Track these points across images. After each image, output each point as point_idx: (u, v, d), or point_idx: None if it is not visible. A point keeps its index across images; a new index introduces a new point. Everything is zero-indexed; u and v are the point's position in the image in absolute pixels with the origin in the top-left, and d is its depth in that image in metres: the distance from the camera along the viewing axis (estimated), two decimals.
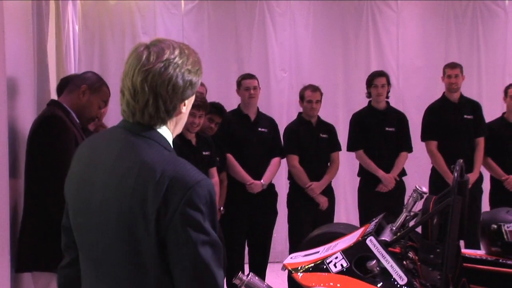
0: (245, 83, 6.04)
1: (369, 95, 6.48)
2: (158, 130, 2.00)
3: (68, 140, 3.66)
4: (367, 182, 6.44)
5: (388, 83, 6.43)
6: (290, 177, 6.31)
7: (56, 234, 2.52)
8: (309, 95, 6.17)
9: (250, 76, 6.13)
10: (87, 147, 2.11)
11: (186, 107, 2.03)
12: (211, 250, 1.88)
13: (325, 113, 6.53)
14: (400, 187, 6.38)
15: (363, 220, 6.05)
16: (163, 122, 2.00)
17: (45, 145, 3.66)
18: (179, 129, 2.10)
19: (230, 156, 5.88)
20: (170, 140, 2.04)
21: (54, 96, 4.67)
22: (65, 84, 4.18)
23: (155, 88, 1.93)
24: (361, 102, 6.83)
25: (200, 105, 5.04)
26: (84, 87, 3.88)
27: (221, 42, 7.84)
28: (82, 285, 2.07)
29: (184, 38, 7.78)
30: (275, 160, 6.10)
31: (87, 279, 2.04)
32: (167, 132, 2.03)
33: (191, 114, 5.42)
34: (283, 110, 7.76)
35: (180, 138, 5.16)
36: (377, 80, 6.36)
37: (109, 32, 7.68)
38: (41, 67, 4.65)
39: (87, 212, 1.98)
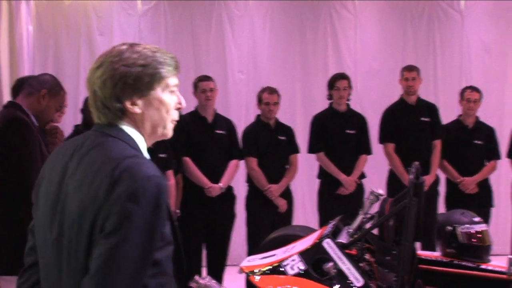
0: (202, 85, 6.04)
1: (330, 97, 6.51)
2: (125, 129, 2.01)
3: (34, 142, 3.67)
4: (327, 184, 6.48)
5: (350, 86, 6.48)
6: (249, 179, 6.32)
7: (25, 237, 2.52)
8: (267, 97, 6.20)
9: (206, 78, 6.13)
10: (59, 152, 2.11)
11: (145, 107, 2.01)
12: (135, 250, 1.83)
13: (283, 115, 6.57)
14: (359, 189, 6.43)
15: (323, 223, 6.09)
16: (114, 121, 2.01)
17: (12, 147, 3.64)
18: (150, 133, 2.07)
19: (187, 160, 5.87)
20: (141, 142, 2.04)
21: (6, 96, 4.64)
22: (21, 85, 4.15)
23: (94, 87, 1.99)
24: (319, 104, 6.89)
25: None
26: (44, 92, 3.87)
27: (179, 43, 7.82)
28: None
29: (141, 40, 7.74)
30: (233, 163, 6.11)
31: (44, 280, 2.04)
32: (134, 133, 2.03)
33: None
34: (241, 112, 7.77)
35: None
36: (339, 83, 6.41)
37: (64, 33, 7.61)
38: None
39: (53, 214, 1.98)
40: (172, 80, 2.06)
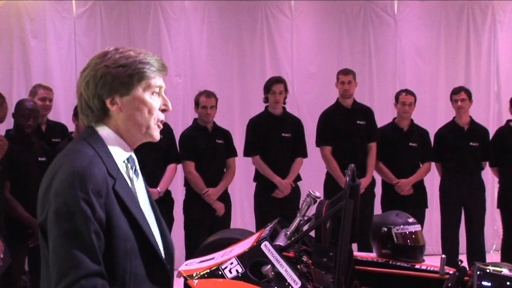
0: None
1: (266, 100, 6.52)
2: (101, 133, 2.05)
3: None
4: (263, 187, 6.49)
5: (286, 90, 6.49)
6: (186, 183, 6.30)
7: None
8: (204, 100, 6.19)
9: None
10: None
11: (125, 106, 2.04)
12: (68, 240, 1.86)
13: (221, 119, 6.57)
14: (295, 192, 6.46)
15: (259, 225, 6.11)
16: (96, 122, 2.06)
17: None
18: (134, 133, 2.10)
19: None
20: (118, 145, 2.07)
21: None
22: None
23: (78, 89, 2.06)
24: (257, 107, 6.91)
25: None
26: None
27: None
28: None
29: (76, 43, 7.65)
30: (171, 167, 6.09)
31: None
32: (112, 136, 2.06)
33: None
34: (178, 116, 7.74)
35: None
36: (275, 87, 6.41)
37: None
38: None
39: None
40: (156, 81, 2.08)
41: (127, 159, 2.12)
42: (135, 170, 2.16)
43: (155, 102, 2.09)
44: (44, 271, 1.98)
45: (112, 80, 2.00)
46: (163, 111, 2.14)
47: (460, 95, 6.84)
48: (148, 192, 2.24)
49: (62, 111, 7.23)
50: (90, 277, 1.85)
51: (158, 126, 2.13)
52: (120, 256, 1.96)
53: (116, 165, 2.04)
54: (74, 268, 1.84)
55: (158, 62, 2.09)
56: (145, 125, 2.09)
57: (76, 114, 5.53)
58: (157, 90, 2.10)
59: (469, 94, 6.88)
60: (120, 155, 2.07)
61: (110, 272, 1.94)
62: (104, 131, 2.05)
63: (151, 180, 5.87)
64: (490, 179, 7.37)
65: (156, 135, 2.14)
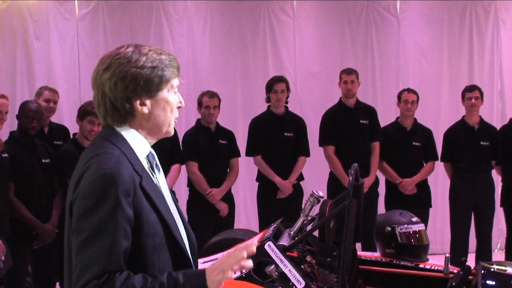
0: None
1: (268, 100, 6.52)
2: (122, 132, 2.07)
3: None
4: (265, 187, 6.49)
5: (288, 89, 6.49)
6: (190, 184, 6.30)
7: None
8: (207, 101, 6.19)
9: None
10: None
11: (152, 107, 2.07)
12: (89, 244, 1.88)
13: (224, 119, 6.57)
14: (298, 191, 6.46)
15: (263, 225, 6.11)
16: (120, 122, 2.07)
17: None
18: (156, 131, 2.13)
19: None
20: (140, 142, 2.09)
21: None
22: None
23: (103, 88, 2.04)
24: (260, 107, 6.90)
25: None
26: None
27: None
28: None
29: (79, 44, 7.67)
30: (174, 167, 6.10)
31: None
32: (134, 134, 2.09)
33: (90, 121, 5.40)
34: (181, 117, 7.65)
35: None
36: (276, 86, 6.41)
37: None
38: None
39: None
40: (176, 81, 2.13)
41: (147, 155, 2.14)
42: (156, 164, 2.20)
43: (175, 101, 2.14)
44: (68, 269, 2.00)
45: (143, 82, 2.03)
46: (178, 107, 2.18)
47: (474, 93, 6.82)
48: (168, 186, 2.27)
49: (65, 112, 7.24)
50: (109, 276, 1.87)
51: (175, 123, 2.19)
52: (149, 252, 1.98)
53: (140, 162, 2.06)
54: (94, 268, 1.86)
55: (176, 62, 2.14)
56: (168, 123, 2.15)
57: (81, 115, 5.54)
58: (176, 89, 2.15)
59: (482, 93, 6.87)
60: (142, 152, 2.10)
61: (140, 269, 1.95)
62: (126, 131, 2.08)
63: None
64: (494, 177, 7.34)
65: (172, 130, 2.20)
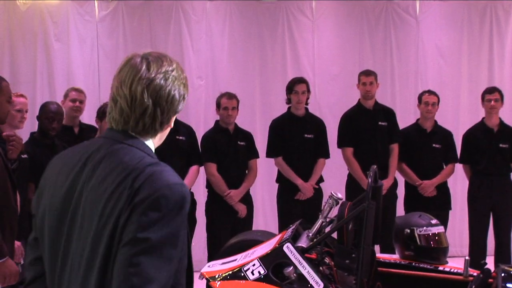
0: None
1: (288, 101, 6.52)
2: (140, 138, 2.01)
3: None
4: (285, 189, 6.48)
5: (308, 90, 6.49)
6: (208, 185, 6.31)
7: None
8: (225, 102, 6.20)
9: None
10: (62, 160, 2.07)
11: (172, 121, 2.07)
12: (151, 257, 1.78)
13: (242, 121, 6.58)
14: (317, 193, 6.44)
15: (283, 226, 6.11)
16: (155, 133, 2.04)
17: None
18: (158, 143, 2.11)
19: None
20: (152, 149, 2.06)
21: None
22: None
23: (155, 98, 1.96)
24: (278, 109, 6.91)
25: None
26: None
27: (137, 49, 7.69)
28: None
29: (99, 46, 7.70)
30: (193, 169, 6.10)
31: None
32: (151, 144, 2.05)
33: None
34: (200, 118, 7.76)
35: None
36: (297, 87, 6.41)
37: (20, 38, 7.52)
38: None
39: (69, 223, 1.93)
40: None
41: None
42: None
43: None
44: (88, 269, 1.87)
45: (185, 99, 2.06)
46: None
47: (494, 95, 6.78)
48: None
49: (85, 113, 7.26)
50: None
51: None
52: (182, 270, 1.94)
53: None
54: (157, 282, 1.78)
55: None
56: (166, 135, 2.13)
57: (100, 116, 5.55)
58: None
59: (502, 95, 6.83)
60: None
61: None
62: (147, 141, 2.04)
63: None
64: None
65: None
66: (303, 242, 4.37)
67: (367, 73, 6.75)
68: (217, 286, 4.17)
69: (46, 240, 1.99)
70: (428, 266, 4.79)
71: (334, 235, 4.58)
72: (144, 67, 1.98)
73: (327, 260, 4.48)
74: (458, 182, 7.64)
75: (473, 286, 4.37)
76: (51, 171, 2.06)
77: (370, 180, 4.18)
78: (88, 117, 6.87)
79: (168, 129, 2.09)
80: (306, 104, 6.53)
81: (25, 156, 5.08)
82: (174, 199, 1.83)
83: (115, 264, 1.80)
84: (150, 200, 1.81)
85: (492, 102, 6.77)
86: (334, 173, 6.98)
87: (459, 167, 7.04)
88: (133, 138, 1.99)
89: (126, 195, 1.83)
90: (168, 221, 1.81)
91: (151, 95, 1.95)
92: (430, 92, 6.83)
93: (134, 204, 1.81)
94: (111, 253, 1.82)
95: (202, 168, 6.25)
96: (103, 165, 1.92)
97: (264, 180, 7.41)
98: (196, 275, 4.66)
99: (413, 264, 4.84)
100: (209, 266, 4.58)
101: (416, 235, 4.83)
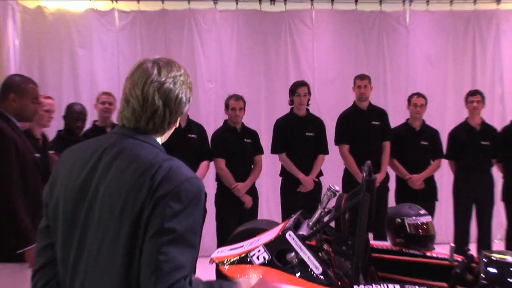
0: None
1: (291, 102, 6.51)
2: (151, 135, 2.01)
3: (4, 148, 3.62)
4: (288, 182, 6.48)
5: (309, 92, 6.49)
6: (218, 178, 6.32)
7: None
8: (233, 103, 6.21)
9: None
10: (74, 153, 2.05)
11: (178, 121, 2.07)
12: (177, 245, 1.79)
13: (248, 120, 6.57)
14: (317, 186, 6.44)
15: (286, 216, 6.10)
16: (163, 132, 2.04)
17: None
18: (163, 140, 2.09)
19: None
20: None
21: None
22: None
23: (165, 100, 1.96)
24: (281, 109, 6.90)
25: None
26: (12, 96, 3.82)
27: (153, 56, 7.75)
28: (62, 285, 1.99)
29: (119, 52, 7.71)
30: (204, 164, 6.10)
31: (72, 277, 1.95)
32: (159, 141, 2.04)
33: None
34: (210, 118, 7.76)
35: None
36: (299, 89, 6.41)
37: (48, 46, 7.55)
38: None
39: (86, 212, 1.91)
40: None
41: None
42: None
43: None
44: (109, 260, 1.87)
45: (190, 101, 2.05)
46: None
47: (476, 97, 6.80)
48: None
49: None
50: (190, 279, 1.82)
51: None
52: (196, 253, 1.93)
53: None
54: (183, 269, 1.79)
55: None
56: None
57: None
58: None
59: (483, 97, 6.84)
60: None
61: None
62: (158, 139, 2.04)
63: None
64: (494, 174, 7.26)
65: None
66: (303, 230, 4.37)
67: (361, 77, 6.74)
68: (226, 270, 4.17)
69: (60, 228, 1.97)
70: (417, 252, 4.78)
71: (332, 224, 4.57)
72: (155, 71, 1.98)
73: (325, 246, 4.47)
74: (444, 176, 7.62)
75: (458, 270, 4.36)
76: (64, 163, 2.04)
77: (364, 174, 4.17)
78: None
79: (173, 128, 2.08)
80: (307, 105, 6.53)
81: (52, 152, 5.09)
82: (193, 192, 1.85)
83: (143, 254, 1.80)
84: (173, 193, 1.81)
85: (475, 104, 6.77)
86: (332, 168, 6.97)
87: (445, 162, 7.03)
88: (145, 134, 1.99)
89: (147, 188, 1.82)
90: (190, 212, 1.83)
91: (161, 97, 1.96)
92: (418, 94, 6.82)
93: (157, 197, 1.81)
94: (136, 243, 1.82)
95: (212, 163, 6.25)
96: (121, 158, 1.92)
97: (268, 174, 7.40)
98: (206, 260, 4.69)
99: (404, 250, 4.83)
100: (218, 252, 4.58)
101: (406, 224, 4.82)
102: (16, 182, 3.60)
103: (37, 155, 4.06)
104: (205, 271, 5.61)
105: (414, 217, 4.84)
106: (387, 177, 6.70)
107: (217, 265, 4.37)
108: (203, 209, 1.90)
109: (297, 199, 6.29)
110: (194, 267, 1.87)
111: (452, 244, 4.72)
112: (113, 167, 1.91)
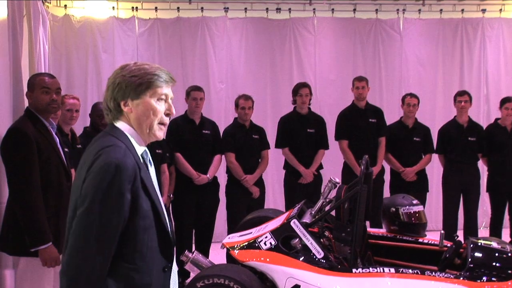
0: (193, 94, 5.97)
1: (294, 102, 6.50)
2: (119, 125, 2.10)
3: (25, 149, 3.50)
4: (291, 175, 6.46)
5: (310, 93, 6.46)
6: (228, 171, 6.30)
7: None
8: (242, 102, 6.19)
9: (198, 88, 6.03)
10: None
11: (134, 108, 2.08)
12: (91, 218, 1.89)
13: (256, 118, 6.56)
14: (318, 178, 6.43)
15: (289, 206, 6.10)
16: (114, 118, 2.11)
17: (6, 155, 3.54)
18: (145, 127, 2.10)
19: (179, 155, 5.84)
20: (134, 135, 2.09)
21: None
22: None
23: (109, 89, 2.12)
24: (286, 108, 6.88)
25: None
26: (28, 93, 3.75)
27: (170, 59, 7.78)
28: None
29: (139, 56, 7.70)
30: (217, 157, 6.08)
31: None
32: (127, 128, 2.10)
33: None
34: (221, 115, 7.75)
35: None
36: (302, 90, 6.39)
37: (74, 51, 7.56)
38: (16, 82, 4.50)
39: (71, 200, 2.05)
40: (162, 90, 2.10)
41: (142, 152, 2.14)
42: (149, 160, 2.19)
43: (160, 106, 2.11)
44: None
45: (126, 86, 2.06)
46: (167, 115, 2.15)
47: (464, 97, 6.77)
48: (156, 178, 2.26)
49: None
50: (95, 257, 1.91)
51: (161, 128, 2.14)
52: (140, 231, 1.99)
53: (139, 156, 2.07)
54: (84, 249, 1.90)
55: (167, 75, 2.12)
56: (149, 125, 2.10)
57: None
58: (163, 97, 2.12)
59: (470, 97, 6.81)
60: (138, 148, 2.10)
61: (133, 245, 1.97)
62: (121, 124, 2.10)
63: (202, 167, 5.90)
64: (480, 167, 7.24)
65: (159, 135, 2.15)
66: (307, 219, 4.37)
67: (359, 78, 6.72)
68: (236, 254, 4.18)
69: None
70: (410, 239, 4.79)
71: (333, 212, 4.57)
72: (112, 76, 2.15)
73: (326, 233, 4.48)
74: (434, 169, 7.60)
75: (447, 255, 4.36)
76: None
77: (362, 168, 4.17)
78: None
79: (143, 116, 2.09)
80: (309, 104, 6.51)
81: (79, 146, 5.10)
82: (108, 170, 1.93)
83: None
84: (95, 172, 1.93)
85: (463, 103, 6.74)
86: (332, 162, 6.96)
87: (435, 156, 7.01)
88: (113, 127, 2.11)
89: (84, 172, 1.97)
90: (101, 188, 1.92)
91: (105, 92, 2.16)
92: (411, 95, 6.80)
93: (87, 175, 1.95)
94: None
95: (223, 157, 6.24)
96: (87, 152, 2.07)
97: (274, 167, 7.38)
98: (218, 245, 4.69)
99: (398, 236, 4.83)
100: (229, 238, 4.59)
101: (400, 213, 4.82)
102: (34, 182, 3.48)
103: (66, 149, 4.03)
104: (217, 256, 5.63)
105: (407, 207, 4.84)
106: (382, 170, 6.67)
107: (227, 250, 4.38)
108: (121, 188, 1.93)
109: (299, 190, 6.27)
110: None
111: (442, 231, 4.73)
112: (83, 157, 2.08)
